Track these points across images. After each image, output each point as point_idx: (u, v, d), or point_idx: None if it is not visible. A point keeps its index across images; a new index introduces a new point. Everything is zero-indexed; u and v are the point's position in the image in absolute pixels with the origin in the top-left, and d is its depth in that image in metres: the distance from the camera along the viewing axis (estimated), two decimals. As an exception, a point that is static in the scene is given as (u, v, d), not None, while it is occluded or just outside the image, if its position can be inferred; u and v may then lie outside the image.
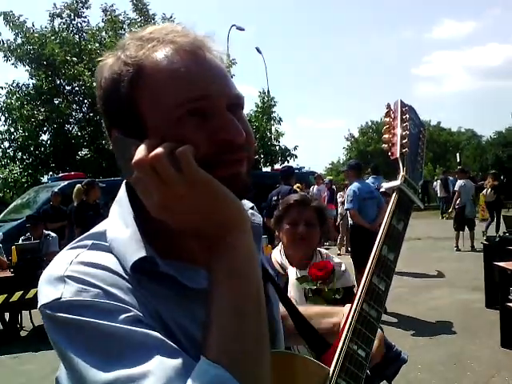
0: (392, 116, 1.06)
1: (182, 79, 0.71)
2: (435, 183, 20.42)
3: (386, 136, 1.05)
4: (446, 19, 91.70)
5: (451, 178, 19.53)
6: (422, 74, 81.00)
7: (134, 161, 0.66)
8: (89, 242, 0.73)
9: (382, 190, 1.02)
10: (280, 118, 17.95)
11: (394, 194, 0.97)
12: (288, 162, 17.03)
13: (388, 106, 1.08)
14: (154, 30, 0.76)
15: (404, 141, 1.02)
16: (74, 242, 0.75)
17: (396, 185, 0.97)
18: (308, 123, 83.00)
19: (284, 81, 76.46)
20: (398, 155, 1.01)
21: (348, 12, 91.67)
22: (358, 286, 0.91)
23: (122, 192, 0.79)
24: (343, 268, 2.09)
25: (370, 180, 8.93)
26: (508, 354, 4.18)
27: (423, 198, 23.28)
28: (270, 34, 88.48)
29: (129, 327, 0.62)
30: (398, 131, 1.03)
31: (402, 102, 1.08)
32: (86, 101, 16.87)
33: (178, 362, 0.61)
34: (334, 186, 13.47)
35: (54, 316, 0.65)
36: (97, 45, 16.66)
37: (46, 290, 0.67)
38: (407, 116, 1.05)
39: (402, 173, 0.99)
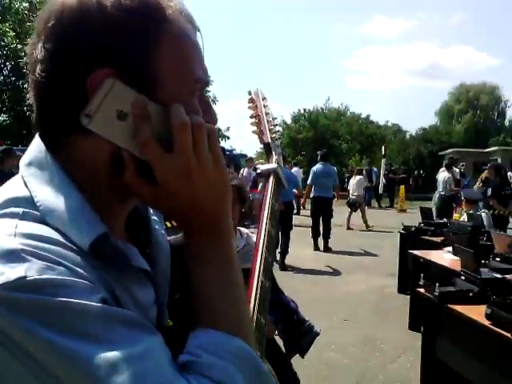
0: (255, 103, 1.13)
1: (199, 54, 0.69)
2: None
3: (255, 121, 1.11)
4: (378, 16, 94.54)
5: (375, 169, 20.35)
6: (353, 68, 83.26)
7: (180, 120, 0.61)
8: (18, 210, 0.59)
9: (258, 171, 1.07)
10: (215, 98, 17.80)
11: (271, 177, 1.03)
12: (219, 143, 16.92)
13: (250, 93, 1.14)
14: None
15: (272, 126, 1.09)
16: None
17: (273, 167, 1.04)
18: (241, 105, 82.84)
19: (220, 60, 75.80)
20: (269, 140, 1.08)
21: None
22: (256, 260, 0.95)
23: (41, 153, 0.65)
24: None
25: (318, 165, 9.28)
26: (415, 335, 4.41)
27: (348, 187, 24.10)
28: (218, 13, 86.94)
29: (107, 306, 0.55)
30: (264, 118, 1.10)
31: (261, 91, 1.15)
32: (8, 63, 15.78)
33: (161, 338, 0.58)
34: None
35: (19, 299, 0.52)
36: (26, 4, 15.57)
37: None
38: (267, 104, 1.13)
39: (275, 156, 1.06)
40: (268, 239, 0.96)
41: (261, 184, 6.92)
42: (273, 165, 1.03)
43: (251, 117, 1.11)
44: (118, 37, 0.61)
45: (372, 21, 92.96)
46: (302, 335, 1.99)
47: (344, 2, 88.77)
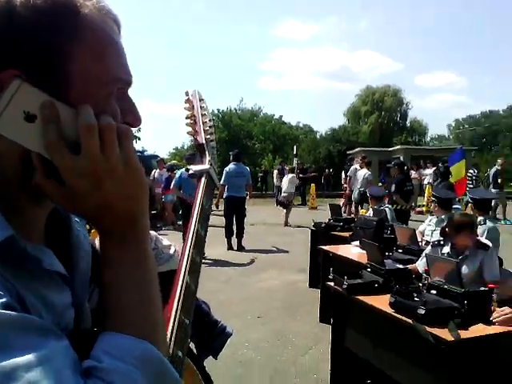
0: (192, 103, 1.13)
1: (120, 53, 0.67)
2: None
3: (189, 121, 1.10)
4: (290, 19, 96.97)
5: (287, 168, 20.79)
6: (266, 69, 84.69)
7: (85, 122, 0.59)
8: None
9: (190, 172, 1.06)
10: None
11: (203, 178, 1.02)
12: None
13: (187, 93, 1.14)
14: None
15: (207, 128, 1.10)
16: None
17: (205, 168, 1.04)
18: (153, 106, 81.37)
19: (132, 59, 73.70)
20: (203, 141, 1.08)
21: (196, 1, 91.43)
22: (183, 260, 0.94)
23: None
24: (172, 251, 1.99)
25: (231, 165, 9.30)
26: (325, 328, 4.52)
27: (262, 186, 24.46)
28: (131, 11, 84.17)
29: (4, 312, 0.52)
30: (200, 119, 1.10)
31: (198, 92, 1.15)
32: None
33: (67, 343, 0.56)
34: (176, 171, 13.32)
35: None
36: None
37: None
38: (204, 105, 1.13)
39: (208, 157, 1.06)
40: (196, 240, 0.95)
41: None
42: (205, 166, 1.04)
43: (187, 117, 1.11)
44: (27, 37, 0.59)
45: (285, 23, 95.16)
46: (214, 337, 1.96)
47: (257, 5, 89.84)
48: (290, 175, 13.82)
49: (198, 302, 2.31)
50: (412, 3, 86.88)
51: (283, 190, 13.56)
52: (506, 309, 2.98)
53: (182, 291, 0.88)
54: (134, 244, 0.66)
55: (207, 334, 2.15)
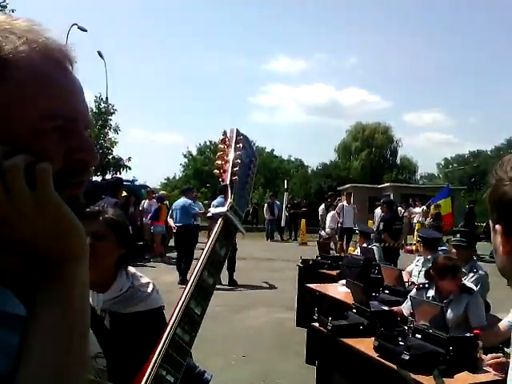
0: (227, 143, 1.09)
1: (53, 90, 0.65)
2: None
3: (219, 162, 1.07)
4: (281, 55, 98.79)
5: (278, 202, 20.84)
6: (258, 103, 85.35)
7: (8, 164, 0.59)
8: None
9: (209, 214, 1.03)
10: (117, 127, 17.33)
11: (219, 220, 0.98)
12: (120, 173, 16.38)
13: (224, 133, 1.11)
14: (3, 21, 0.65)
15: (235, 169, 1.05)
16: None
17: (223, 211, 0.99)
18: (144, 135, 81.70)
19: (125, 90, 74.35)
20: (227, 182, 1.03)
21: (189, 32, 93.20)
22: (175, 310, 0.89)
23: None
24: (149, 289, 1.94)
25: (218, 199, 9.32)
26: (311, 369, 4.43)
27: (253, 219, 24.43)
28: (115, 41, 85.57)
29: None
30: (231, 159, 1.06)
31: (237, 130, 1.11)
32: None
33: None
34: (166, 202, 13.32)
35: None
36: None
37: None
38: (241, 145, 1.08)
39: (229, 200, 1.01)
40: (197, 289, 0.90)
41: None
42: (223, 208, 0.99)
43: (217, 157, 1.08)
44: None
45: (275, 59, 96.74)
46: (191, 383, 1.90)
47: (249, 40, 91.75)
48: (332, 212, 14.22)
49: None
50: (400, 43, 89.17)
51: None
52: (500, 355, 2.96)
53: (166, 344, 0.83)
54: (56, 288, 0.63)
55: (183, 380, 2.11)
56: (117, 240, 1.84)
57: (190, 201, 9.77)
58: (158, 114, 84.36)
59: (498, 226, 0.91)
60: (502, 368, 2.83)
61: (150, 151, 79.58)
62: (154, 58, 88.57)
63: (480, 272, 4.50)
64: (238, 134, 1.11)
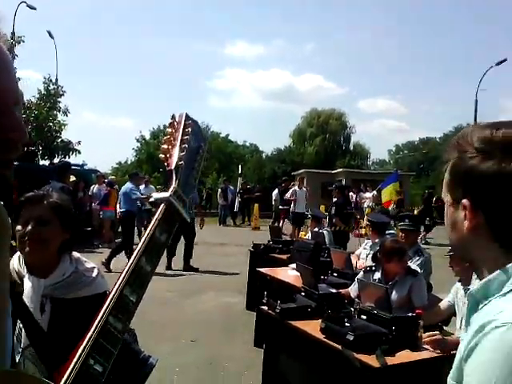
0: (175, 127, 1.06)
1: None
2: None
3: (165, 146, 1.04)
4: (238, 40, 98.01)
5: (231, 187, 20.82)
6: (214, 88, 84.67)
7: None
8: None
9: (151, 199, 1.00)
10: (67, 109, 16.71)
11: (161, 205, 0.95)
12: (69, 157, 15.85)
13: (173, 116, 1.08)
14: None
15: (182, 153, 1.02)
16: None
17: (165, 196, 0.96)
18: (95, 119, 79.55)
19: (78, 72, 71.95)
20: (173, 167, 1.01)
21: (146, 16, 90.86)
22: (108, 296, 0.86)
23: None
24: (94, 274, 1.88)
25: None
26: (259, 352, 4.44)
27: (206, 204, 24.31)
28: (76, 25, 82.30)
29: None
30: (178, 143, 1.03)
31: (187, 115, 1.09)
32: None
33: None
34: (116, 187, 13.02)
35: None
36: None
37: None
38: (189, 130, 1.06)
39: (173, 185, 0.99)
40: (134, 275, 0.87)
41: None
42: (166, 194, 0.96)
43: (163, 141, 1.05)
44: None
45: (232, 43, 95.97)
46: (135, 369, 1.85)
47: (205, 23, 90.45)
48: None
49: None
50: (357, 31, 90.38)
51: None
52: (437, 333, 3.05)
53: (96, 332, 0.80)
54: None
55: (128, 365, 2.05)
56: (61, 225, 1.80)
57: (131, 185, 9.60)
58: (112, 98, 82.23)
59: (465, 201, 0.87)
60: (438, 345, 2.93)
61: (102, 135, 77.83)
62: (110, 40, 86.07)
63: (425, 255, 4.63)
64: (188, 118, 1.08)
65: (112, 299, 0.84)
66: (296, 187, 14.23)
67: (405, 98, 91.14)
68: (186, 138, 1.04)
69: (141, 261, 0.89)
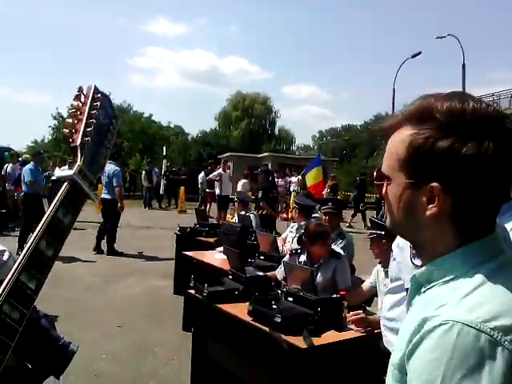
0: (82, 101, 0.99)
1: None
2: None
3: (70, 120, 0.97)
4: (161, 17, 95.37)
5: (156, 169, 20.43)
6: (136, 65, 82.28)
7: None
8: None
9: (53, 178, 0.90)
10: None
11: (64, 184, 0.89)
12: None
13: (80, 89, 1.00)
14: None
15: (88, 129, 0.95)
16: None
17: (68, 175, 0.90)
18: (7, 93, 74.69)
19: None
20: (78, 143, 0.94)
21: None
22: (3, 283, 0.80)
23: None
24: (5, 257, 1.78)
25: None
26: (187, 336, 4.44)
27: (130, 187, 23.70)
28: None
29: None
30: (84, 118, 0.96)
31: (96, 88, 1.01)
32: None
33: None
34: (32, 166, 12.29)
35: None
36: None
37: None
38: (99, 104, 0.99)
39: (78, 162, 0.92)
40: (32, 260, 0.81)
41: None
42: (69, 172, 0.90)
43: (68, 116, 0.97)
44: None
45: (154, 20, 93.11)
46: (54, 356, 1.78)
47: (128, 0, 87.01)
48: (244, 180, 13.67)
49: (37, 315, 2.11)
50: (282, 16, 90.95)
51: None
52: (360, 312, 3.20)
53: None
54: None
55: (46, 352, 1.98)
56: None
57: (29, 166, 9.29)
58: (26, 73, 77.52)
59: (435, 184, 0.79)
60: (362, 324, 3.09)
61: (14, 111, 73.23)
62: (27, 11, 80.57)
63: (347, 238, 4.81)
64: (97, 91, 1.01)
65: (6, 286, 0.79)
66: (221, 170, 14.22)
67: (328, 86, 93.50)
68: (93, 112, 0.98)
69: (40, 244, 0.84)
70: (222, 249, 5.49)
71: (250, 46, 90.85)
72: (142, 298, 6.29)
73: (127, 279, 7.29)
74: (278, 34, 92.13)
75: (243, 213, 7.41)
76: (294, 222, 6.26)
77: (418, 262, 2.01)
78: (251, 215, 7.23)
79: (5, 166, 12.15)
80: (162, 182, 19.80)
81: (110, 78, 67.46)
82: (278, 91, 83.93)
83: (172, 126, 42.15)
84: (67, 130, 0.97)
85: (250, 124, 44.76)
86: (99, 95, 1.01)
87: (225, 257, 5.03)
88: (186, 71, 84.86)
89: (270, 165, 23.86)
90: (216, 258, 5.43)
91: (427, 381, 0.71)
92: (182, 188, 18.06)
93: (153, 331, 5.10)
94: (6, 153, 13.16)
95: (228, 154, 28.02)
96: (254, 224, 6.87)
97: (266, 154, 29.71)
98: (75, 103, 0.99)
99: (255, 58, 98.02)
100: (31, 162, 9.54)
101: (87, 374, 3.90)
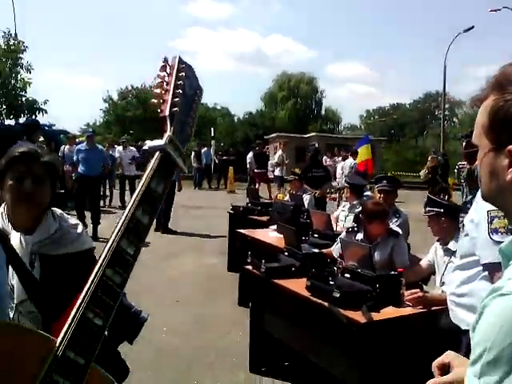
0: (168, 71, 0.98)
1: None
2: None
3: (158, 91, 0.97)
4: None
5: (206, 150, 20.69)
6: (178, 48, 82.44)
7: None
8: None
9: (144, 147, 0.93)
10: (30, 65, 15.99)
11: (156, 154, 0.90)
12: (36, 116, 15.27)
13: (165, 59, 0.99)
14: None
15: (176, 99, 0.95)
16: None
17: (160, 144, 0.90)
18: (62, 76, 76.93)
19: (39, 27, 68.88)
20: (167, 113, 0.94)
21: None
22: (104, 249, 0.83)
23: None
24: (79, 230, 1.88)
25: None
26: (243, 311, 4.56)
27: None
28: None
29: None
30: (171, 89, 0.96)
31: (180, 58, 1.01)
32: None
33: None
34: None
35: None
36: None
37: None
38: (184, 74, 0.98)
39: (168, 133, 0.92)
40: (129, 227, 0.83)
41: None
42: (160, 142, 0.90)
43: (156, 86, 0.97)
44: None
45: (196, 2, 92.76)
46: (128, 322, 1.88)
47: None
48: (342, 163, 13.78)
49: None
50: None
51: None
52: (418, 290, 3.19)
53: (94, 285, 0.79)
54: None
55: (120, 318, 2.09)
56: (51, 185, 1.77)
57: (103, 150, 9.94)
58: (75, 57, 79.57)
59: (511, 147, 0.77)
60: (419, 302, 3.08)
61: (68, 95, 75.48)
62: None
63: (402, 216, 4.76)
64: (181, 61, 1.01)
65: (108, 252, 0.81)
66: (281, 151, 14.42)
67: (375, 63, 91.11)
68: (180, 82, 0.97)
69: (136, 212, 0.86)
70: (275, 227, 5.57)
71: (294, 25, 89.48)
72: (197, 275, 6.48)
73: (182, 257, 7.51)
74: (322, 12, 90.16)
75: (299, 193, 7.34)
76: (346, 201, 6.24)
77: (496, 237, 2.00)
78: (304, 195, 7.20)
79: (61, 148, 12.59)
80: (213, 162, 20.00)
81: (155, 60, 68.27)
82: (323, 70, 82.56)
83: (218, 107, 42.37)
84: (155, 101, 0.97)
85: (296, 104, 44.36)
86: (184, 65, 1.00)
87: (278, 235, 5.11)
88: (230, 52, 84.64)
89: (317, 144, 23.67)
90: (270, 235, 5.51)
91: (480, 342, 0.73)
92: (231, 168, 18.23)
93: (209, 306, 5.26)
94: (62, 135, 13.64)
95: (275, 134, 27.97)
96: (306, 204, 6.88)
97: (313, 134, 29.47)
98: (161, 73, 0.99)
99: (300, 36, 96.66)
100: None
101: (149, 345, 4.07)
